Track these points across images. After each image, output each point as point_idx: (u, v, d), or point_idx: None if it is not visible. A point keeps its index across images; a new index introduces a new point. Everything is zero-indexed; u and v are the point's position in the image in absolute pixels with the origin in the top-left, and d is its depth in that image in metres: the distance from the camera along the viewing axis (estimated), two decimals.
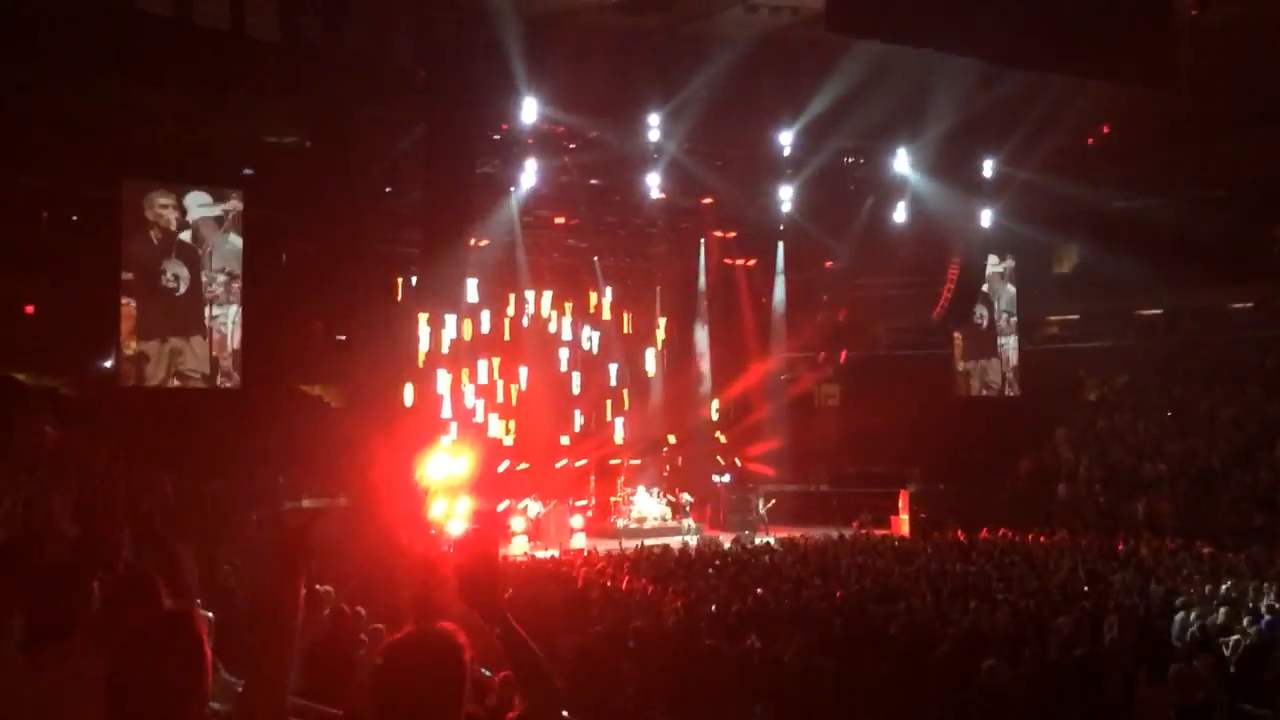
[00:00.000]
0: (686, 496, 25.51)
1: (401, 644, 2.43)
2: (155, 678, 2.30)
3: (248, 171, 21.48)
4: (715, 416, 28.57)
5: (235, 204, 20.50)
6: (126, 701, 2.27)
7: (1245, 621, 11.29)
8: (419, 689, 2.35)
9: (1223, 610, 11.81)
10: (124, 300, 19.65)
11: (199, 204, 20.21)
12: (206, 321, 20.22)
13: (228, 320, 20.37)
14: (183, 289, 20.04)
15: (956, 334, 28.06)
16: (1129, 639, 11.05)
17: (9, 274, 19.49)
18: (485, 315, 25.46)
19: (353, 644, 6.94)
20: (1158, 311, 28.60)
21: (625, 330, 28.05)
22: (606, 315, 27.56)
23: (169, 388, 19.84)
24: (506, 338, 26.04)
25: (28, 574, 2.88)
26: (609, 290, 27.55)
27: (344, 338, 23.36)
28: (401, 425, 20.92)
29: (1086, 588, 13.39)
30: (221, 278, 20.36)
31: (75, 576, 2.81)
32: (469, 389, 25.24)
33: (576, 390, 27.11)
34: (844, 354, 28.50)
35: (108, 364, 20.39)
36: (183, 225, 20.10)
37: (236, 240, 20.49)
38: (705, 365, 28.49)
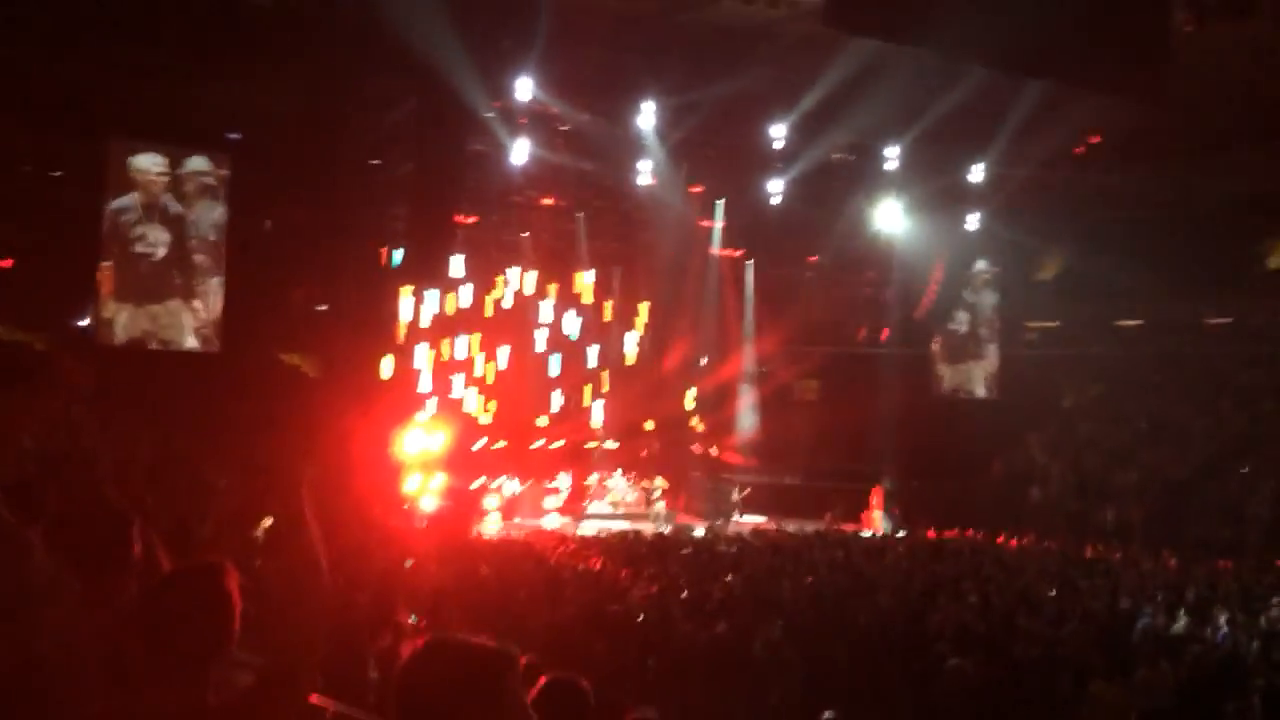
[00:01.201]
0: (660, 482, 25.59)
1: (426, 654, 2.14)
2: (185, 624, 2.35)
3: (235, 136, 21.31)
4: (691, 405, 28.64)
5: (222, 169, 20.33)
6: (156, 645, 2.31)
7: (1206, 632, 11.47)
8: (449, 705, 2.05)
9: (1184, 620, 12.00)
10: (104, 260, 19.47)
11: (186, 168, 20.04)
12: (188, 286, 20.07)
13: (210, 286, 20.23)
14: (165, 253, 19.87)
15: (937, 336, 28.21)
16: (1089, 642, 11.20)
17: None
18: (467, 290, 25.37)
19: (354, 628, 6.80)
20: (1137, 323, 28.82)
21: (605, 318, 28.00)
22: (588, 299, 27.52)
23: (147, 350, 19.71)
24: (488, 315, 25.99)
25: (63, 510, 2.88)
26: (592, 273, 27.51)
27: (324, 307, 23.26)
28: (379, 398, 20.88)
29: (1054, 591, 13.53)
30: (205, 243, 20.21)
31: (118, 516, 2.81)
32: (449, 365, 25.19)
33: (555, 372, 27.10)
34: None
35: (85, 323, 20.24)
36: (168, 188, 19.93)
37: (221, 206, 20.33)
38: (687, 354, 28.55)
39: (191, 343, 20.10)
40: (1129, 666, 10.05)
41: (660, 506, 24.95)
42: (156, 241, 19.79)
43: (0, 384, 14.49)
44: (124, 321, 19.60)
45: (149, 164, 19.76)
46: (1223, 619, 11.96)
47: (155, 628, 2.37)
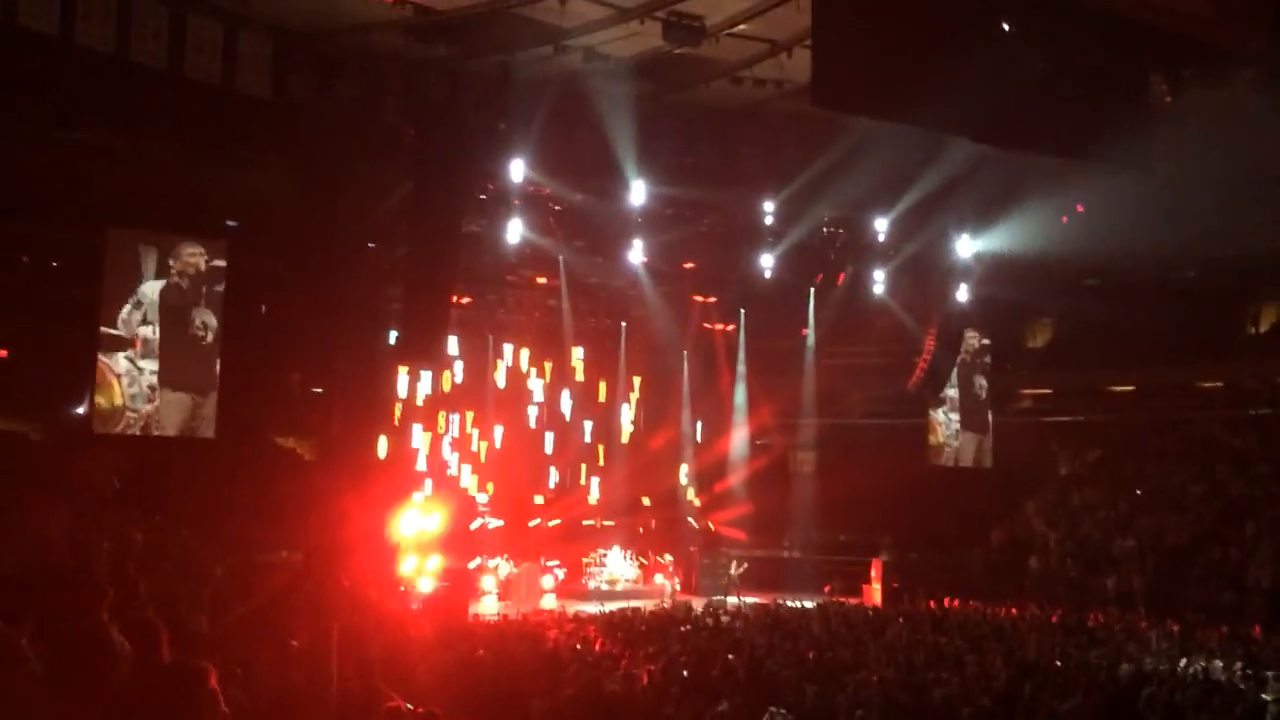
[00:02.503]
0: (668, 557, 25.47)
1: None
2: None
3: (232, 224, 21.55)
4: (685, 480, 28.55)
5: (219, 257, 20.49)
6: None
7: (1215, 700, 11.35)
8: None
9: (1191, 688, 11.89)
10: (101, 349, 19.52)
11: (183, 255, 20.20)
12: (184, 372, 20.11)
13: (207, 371, 20.27)
14: (162, 339, 19.93)
15: (931, 406, 28.23)
16: (1094, 713, 11.08)
17: None
18: (460, 368, 25.41)
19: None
20: (1129, 388, 28.92)
21: (600, 397, 27.99)
22: (580, 377, 27.54)
23: (142, 436, 19.67)
24: (483, 393, 26.01)
25: (43, 610, 2.88)
26: (582, 350, 27.51)
27: (320, 390, 23.30)
28: (375, 479, 20.82)
29: (1059, 662, 13.41)
30: (203, 329, 20.30)
31: (95, 619, 2.81)
32: (445, 443, 25.16)
33: (550, 450, 27.04)
34: None
35: (81, 411, 20.22)
36: (166, 275, 20.08)
37: (219, 291, 20.47)
38: (682, 428, 28.56)
39: (206, 430, 20.16)
40: None
41: (671, 583, 24.89)
42: (160, 327, 19.90)
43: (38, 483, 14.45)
44: (123, 408, 19.58)
45: (148, 251, 19.88)
46: (1233, 682, 11.88)
47: None
